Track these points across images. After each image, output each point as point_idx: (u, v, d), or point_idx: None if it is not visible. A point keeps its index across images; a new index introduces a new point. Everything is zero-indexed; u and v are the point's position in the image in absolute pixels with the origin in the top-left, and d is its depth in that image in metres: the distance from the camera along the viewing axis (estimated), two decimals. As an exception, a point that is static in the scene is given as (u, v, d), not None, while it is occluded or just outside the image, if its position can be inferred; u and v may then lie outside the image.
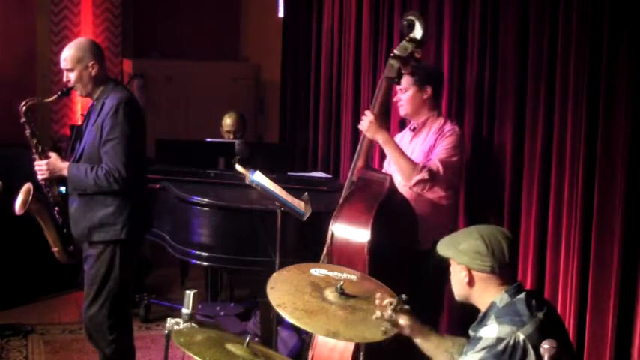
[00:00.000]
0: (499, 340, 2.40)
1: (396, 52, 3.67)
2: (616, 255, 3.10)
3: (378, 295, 2.80)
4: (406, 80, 3.85)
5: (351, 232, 3.47)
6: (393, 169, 3.99)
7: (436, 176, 3.73)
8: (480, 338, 2.45)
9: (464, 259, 2.56)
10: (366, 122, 3.73)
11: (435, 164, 3.74)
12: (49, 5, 7.01)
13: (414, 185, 3.72)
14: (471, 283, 2.57)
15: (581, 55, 3.27)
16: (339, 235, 3.48)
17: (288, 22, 6.63)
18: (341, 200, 3.66)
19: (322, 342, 3.37)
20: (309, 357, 3.42)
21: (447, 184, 3.83)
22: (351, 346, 3.28)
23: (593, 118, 3.20)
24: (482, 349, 2.41)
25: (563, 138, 3.39)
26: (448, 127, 3.87)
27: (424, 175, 3.70)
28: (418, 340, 2.74)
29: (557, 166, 3.43)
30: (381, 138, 3.72)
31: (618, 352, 3.13)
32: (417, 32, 3.65)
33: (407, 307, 2.73)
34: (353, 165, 3.78)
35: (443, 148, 3.78)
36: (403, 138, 4.06)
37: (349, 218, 3.50)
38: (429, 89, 3.88)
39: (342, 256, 3.46)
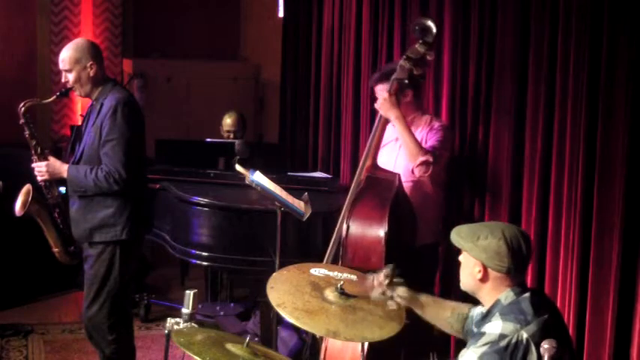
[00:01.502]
0: (502, 336, 2.41)
1: (408, 54, 3.77)
2: (615, 255, 3.10)
3: (371, 276, 2.84)
4: (386, 88, 3.88)
5: (367, 226, 3.58)
6: (383, 159, 4.01)
7: (438, 161, 3.82)
8: (483, 334, 2.46)
9: (481, 256, 2.54)
10: (381, 99, 3.84)
11: (437, 151, 3.84)
12: (49, 5, 7.01)
13: (417, 166, 3.79)
14: (484, 279, 2.56)
15: (580, 55, 3.27)
16: (355, 230, 3.59)
17: (288, 22, 6.62)
18: (352, 197, 3.74)
19: None
20: (323, 349, 3.44)
21: (434, 178, 3.91)
22: None
23: (593, 118, 3.20)
24: (485, 344, 2.42)
25: (562, 138, 3.39)
26: (437, 123, 3.98)
27: (429, 157, 3.77)
28: (418, 311, 2.80)
29: (557, 166, 3.43)
30: (393, 114, 3.81)
31: (617, 351, 3.13)
32: (431, 36, 3.74)
33: (401, 279, 2.80)
34: (361, 164, 3.85)
35: (437, 141, 3.89)
36: (389, 136, 4.08)
37: (364, 214, 3.61)
38: (409, 93, 3.96)
39: (358, 249, 3.57)
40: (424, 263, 3.90)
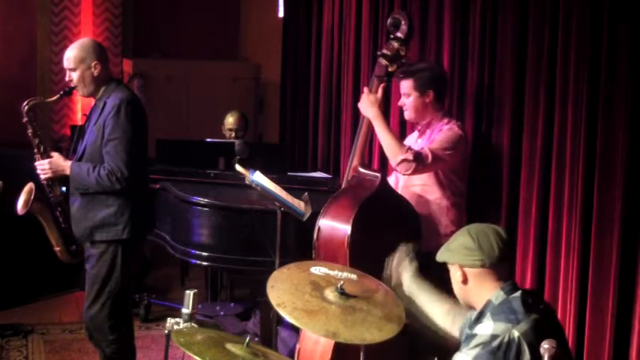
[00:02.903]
0: (493, 337, 2.41)
1: (383, 50, 3.72)
2: (615, 255, 3.10)
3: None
4: (408, 85, 3.85)
5: (334, 226, 3.52)
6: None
7: (422, 160, 3.66)
8: (475, 335, 2.46)
9: (455, 258, 2.60)
10: (362, 98, 3.79)
11: (424, 150, 3.71)
12: (49, 5, 7.01)
13: (398, 164, 3.66)
14: (465, 281, 2.59)
15: (581, 54, 3.27)
16: (325, 231, 3.54)
17: (288, 22, 6.63)
18: (331, 197, 3.70)
19: (308, 335, 3.40)
20: (297, 350, 3.44)
21: (446, 184, 3.82)
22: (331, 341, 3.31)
23: (593, 118, 3.20)
24: (477, 345, 2.42)
25: (562, 138, 3.39)
26: (447, 126, 3.85)
27: (408, 155, 3.64)
28: (415, 291, 2.86)
29: (557, 166, 3.43)
30: (371, 113, 3.74)
31: (617, 352, 3.13)
32: (402, 31, 3.69)
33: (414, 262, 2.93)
34: (349, 164, 3.81)
35: (437, 141, 3.76)
36: (408, 139, 4.07)
37: (334, 214, 3.56)
38: (430, 93, 3.85)
39: (327, 250, 3.52)
40: (433, 268, 3.83)
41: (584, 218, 3.26)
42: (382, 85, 3.79)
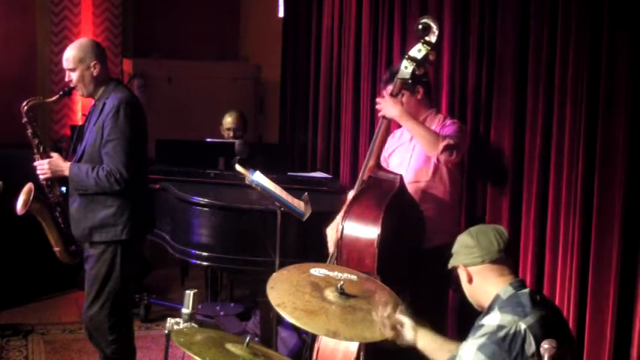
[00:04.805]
0: (500, 327, 2.42)
1: (410, 54, 3.70)
2: (615, 255, 3.10)
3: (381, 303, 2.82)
4: (397, 85, 3.86)
5: (361, 227, 3.52)
6: (396, 160, 4.00)
7: (459, 148, 3.76)
8: (482, 326, 2.47)
9: (458, 260, 2.61)
10: (382, 102, 3.79)
11: (455, 139, 3.76)
12: (49, 5, 7.02)
13: (442, 152, 3.71)
14: (470, 280, 2.59)
15: (580, 54, 3.27)
16: (349, 231, 3.53)
17: (288, 22, 6.63)
18: (351, 197, 3.70)
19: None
20: (315, 350, 3.43)
21: (451, 178, 3.88)
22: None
23: (593, 118, 3.20)
24: (483, 335, 2.43)
25: (562, 138, 3.39)
26: (449, 120, 3.93)
27: (449, 140, 3.71)
28: (420, 343, 2.74)
29: (556, 166, 3.43)
30: (396, 112, 3.75)
31: (618, 352, 3.13)
32: (433, 36, 3.68)
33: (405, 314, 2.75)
34: (365, 164, 3.81)
35: (452, 132, 3.80)
36: (402, 136, 4.08)
37: (359, 214, 3.55)
38: (420, 89, 3.93)
39: (352, 251, 3.51)
40: (438, 264, 3.83)
41: (583, 217, 3.26)
42: (405, 88, 3.81)
